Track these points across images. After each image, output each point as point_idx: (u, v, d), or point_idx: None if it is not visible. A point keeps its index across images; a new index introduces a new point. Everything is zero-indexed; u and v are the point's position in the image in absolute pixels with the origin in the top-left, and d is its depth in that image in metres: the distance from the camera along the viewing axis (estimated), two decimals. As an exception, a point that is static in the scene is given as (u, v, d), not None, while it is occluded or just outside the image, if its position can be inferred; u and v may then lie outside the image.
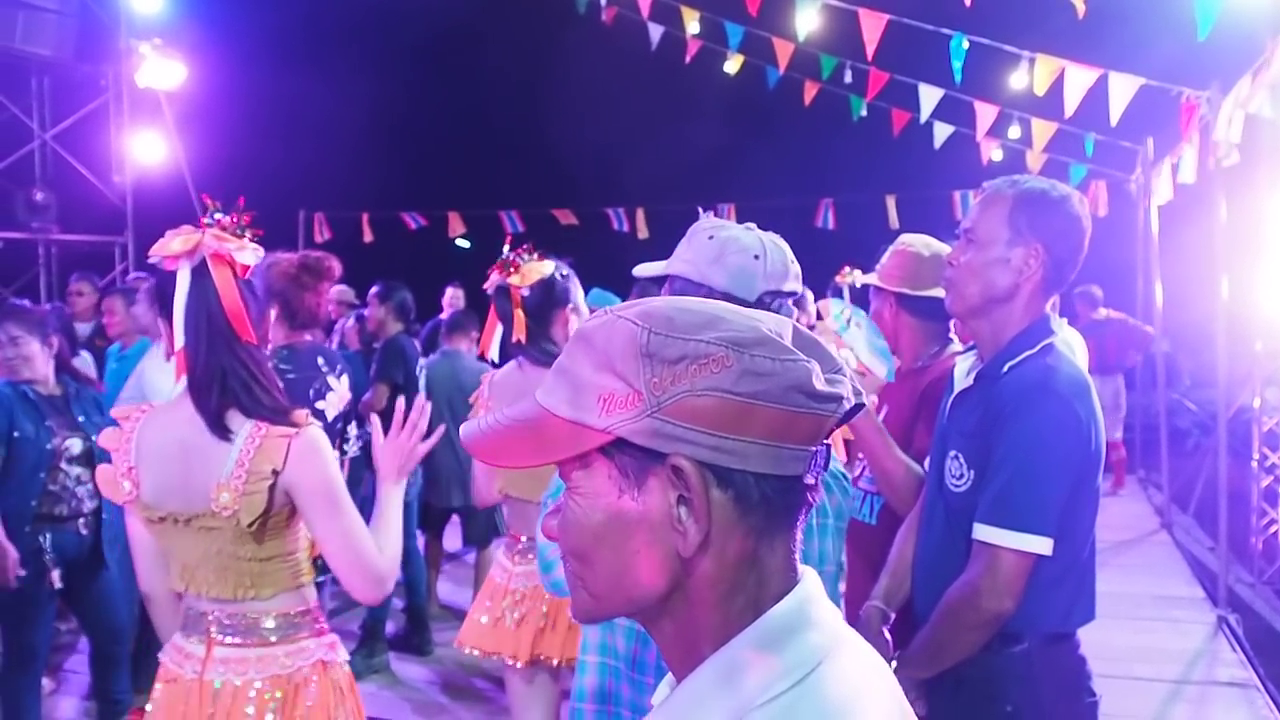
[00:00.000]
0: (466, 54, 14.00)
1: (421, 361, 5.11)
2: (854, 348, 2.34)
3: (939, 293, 2.20)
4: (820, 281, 5.84)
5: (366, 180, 12.66)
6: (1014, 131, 7.90)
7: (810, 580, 0.78)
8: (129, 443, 1.87)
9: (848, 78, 7.85)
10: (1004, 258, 1.87)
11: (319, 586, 2.29)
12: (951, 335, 2.60)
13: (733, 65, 8.55)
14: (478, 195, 11.85)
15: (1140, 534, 7.25)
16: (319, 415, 3.64)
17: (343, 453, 3.73)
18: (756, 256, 1.70)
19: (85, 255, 9.36)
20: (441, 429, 2.06)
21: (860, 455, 2.50)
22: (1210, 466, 6.42)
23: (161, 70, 8.24)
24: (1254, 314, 5.96)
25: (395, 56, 12.86)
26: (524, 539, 2.72)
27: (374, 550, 1.87)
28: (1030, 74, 6.22)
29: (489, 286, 2.79)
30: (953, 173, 9.15)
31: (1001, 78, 6.85)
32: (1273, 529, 6.45)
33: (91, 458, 3.55)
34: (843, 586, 2.47)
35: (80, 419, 3.49)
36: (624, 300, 1.97)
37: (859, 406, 0.76)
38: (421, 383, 4.95)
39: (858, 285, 5.26)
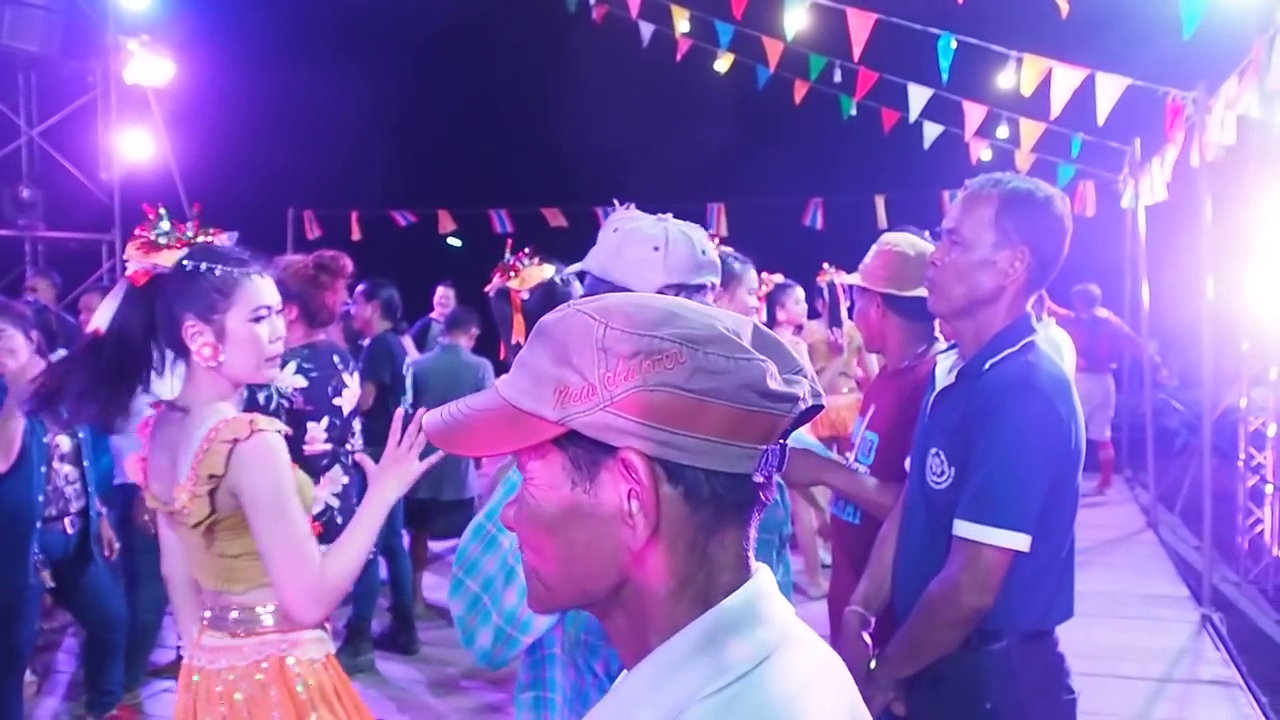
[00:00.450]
0: (457, 52, 13.97)
1: (409, 360, 5.09)
2: None
3: (925, 292, 2.20)
4: (809, 279, 5.86)
5: (356, 177, 12.60)
6: (1002, 131, 7.91)
7: (763, 576, 0.78)
8: (145, 434, 1.97)
9: (837, 77, 7.85)
10: (990, 260, 1.86)
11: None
12: (937, 334, 2.60)
13: (723, 64, 8.55)
14: (468, 193, 11.81)
15: (1126, 533, 7.28)
16: (336, 411, 3.64)
17: (350, 449, 3.73)
18: (656, 249, 1.68)
19: (72, 253, 9.32)
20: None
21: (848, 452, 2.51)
22: (1196, 466, 6.44)
23: (149, 67, 8.19)
24: (1240, 314, 5.99)
25: (385, 54, 12.81)
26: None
27: (315, 567, 1.79)
28: (1018, 74, 6.24)
29: (490, 289, 2.80)
30: (942, 172, 9.15)
31: (989, 78, 6.85)
32: (1258, 528, 6.49)
33: (79, 455, 3.53)
34: (826, 585, 2.48)
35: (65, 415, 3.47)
36: None
37: (817, 408, 0.76)
38: (409, 382, 4.93)
39: (838, 284, 5.30)
